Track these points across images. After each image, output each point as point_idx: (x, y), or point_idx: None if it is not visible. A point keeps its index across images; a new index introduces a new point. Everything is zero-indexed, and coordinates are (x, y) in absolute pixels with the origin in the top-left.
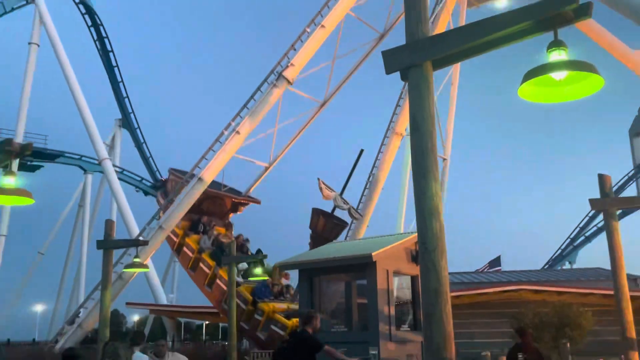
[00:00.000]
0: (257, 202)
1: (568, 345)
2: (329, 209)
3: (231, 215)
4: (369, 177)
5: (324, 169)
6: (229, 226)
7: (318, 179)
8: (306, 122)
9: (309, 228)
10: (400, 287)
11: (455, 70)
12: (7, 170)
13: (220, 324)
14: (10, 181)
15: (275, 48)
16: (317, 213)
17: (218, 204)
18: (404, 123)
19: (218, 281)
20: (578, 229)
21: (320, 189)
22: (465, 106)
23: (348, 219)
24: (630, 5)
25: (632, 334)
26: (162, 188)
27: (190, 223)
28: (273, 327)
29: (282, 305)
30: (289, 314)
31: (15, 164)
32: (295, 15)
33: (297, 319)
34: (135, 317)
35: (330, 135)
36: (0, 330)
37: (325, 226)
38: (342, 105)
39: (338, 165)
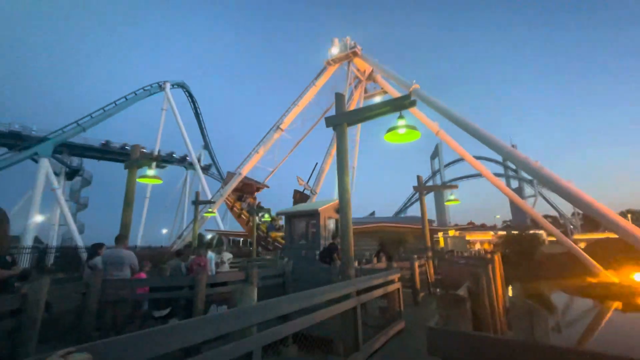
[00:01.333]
0: (267, 186)
1: (402, 250)
2: (300, 189)
3: (256, 192)
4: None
5: (299, 170)
6: (254, 198)
7: (297, 176)
8: (291, 149)
9: (293, 198)
10: (330, 224)
11: (359, 127)
12: (149, 168)
13: (249, 240)
14: (151, 172)
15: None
16: (296, 192)
17: (250, 186)
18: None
19: (250, 223)
20: (408, 198)
21: (298, 180)
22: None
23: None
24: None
25: (428, 244)
26: (223, 180)
27: (236, 196)
28: (276, 243)
29: (279, 233)
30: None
31: (154, 164)
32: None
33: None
34: (209, 236)
35: (302, 155)
36: (150, 240)
37: (300, 198)
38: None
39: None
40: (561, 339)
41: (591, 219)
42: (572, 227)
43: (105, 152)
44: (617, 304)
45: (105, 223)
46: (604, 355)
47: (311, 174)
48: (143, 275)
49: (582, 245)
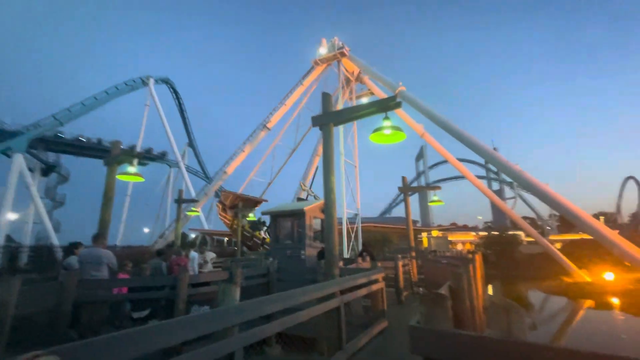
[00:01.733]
0: (265, 200)
1: (386, 249)
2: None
3: (256, 207)
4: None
5: (295, 171)
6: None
7: (300, 182)
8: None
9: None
10: (315, 224)
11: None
12: (130, 165)
13: (233, 239)
14: (132, 169)
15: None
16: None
17: (250, 201)
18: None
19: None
20: (394, 199)
21: (301, 185)
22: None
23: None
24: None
25: (412, 244)
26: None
27: (233, 213)
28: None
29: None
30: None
31: (135, 161)
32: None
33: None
34: (193, 235)
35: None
36: (131, 239)
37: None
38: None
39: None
40: (537, 336)
41: (566, 221)
42: (548, 228)
43: (83, 148)
44: (590, 302)
45: (84, 221)
46: (577, 352)
47: (313, 178)
48: (124, 275)
49: (558, 245)
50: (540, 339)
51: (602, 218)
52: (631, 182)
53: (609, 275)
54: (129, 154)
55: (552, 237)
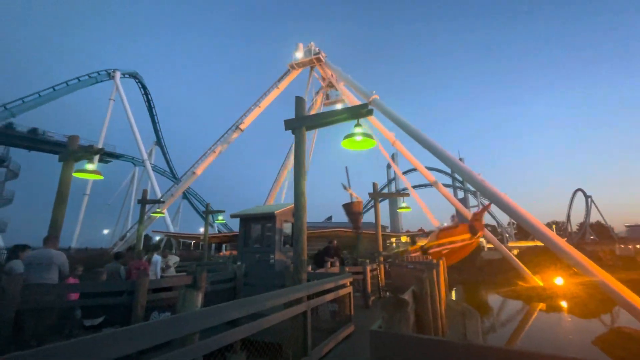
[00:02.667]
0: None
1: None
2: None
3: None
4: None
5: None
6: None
7: (343, 185)
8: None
9: (346, 213)
10: (286, 228)
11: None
12: (89, 161)
13: (200, 242)
14: (90, 166)
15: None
16: (348, 206)
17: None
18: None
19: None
20: (364, 205)
21: (347, 189)
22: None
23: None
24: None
25: (380, 249)
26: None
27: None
28: None
29: None
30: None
31: (96, 158)
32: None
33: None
34: (157, 238)
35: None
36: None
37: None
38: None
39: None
40: (496, 339)
41: (523, 229)
42: (507, 235)
43: (37, 142)
44: (542, 305)
45: (34, 221)
46: (526, 353)
47: (348, 179)
48: (74, 280)
49: (516, 252)
50: (498, 341)
51: (554, 227)
52: (580, 194)
53: (559, 280)
54: (88, 150)
55: (510, 244)
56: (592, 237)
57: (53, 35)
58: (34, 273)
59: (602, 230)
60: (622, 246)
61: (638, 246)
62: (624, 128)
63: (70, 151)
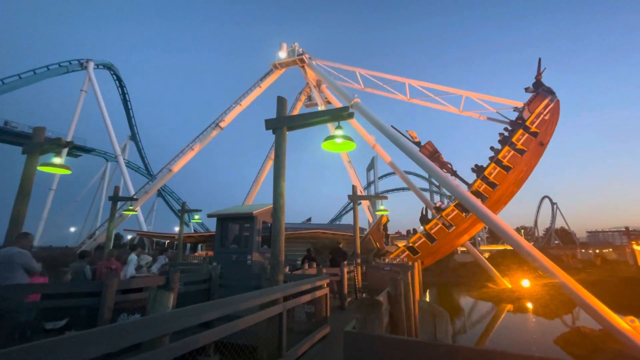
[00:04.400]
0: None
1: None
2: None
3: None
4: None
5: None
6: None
7: (407, 131)
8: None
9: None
10: (264, 229)
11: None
12: (56, 155)
13: (175, 242)
14: (58, 160)
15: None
16: (423, 148)
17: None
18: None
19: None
20: (344, 207)
21: (410, 134)
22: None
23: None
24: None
25: (358, 251)
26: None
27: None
28: None
29: None
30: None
31: (64, 152)
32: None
33: None
34: (129, 237)
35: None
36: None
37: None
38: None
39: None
40: (466, 339)
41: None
42: (479, 239)
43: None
44: (509, 307)
45: None
46: (493, 352)
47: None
48: (43, 279)
49: (487, 255)
50: (468, 341)
51: (522, 231)
52: (546, 201)
53: (525, 282)
54: (55, 143)
55: (482, 248)
56: (556, 242)
57: (22, 20)
58: None
59: (565, 235)
60: (583, 250)
61: (597, 251)
62: (588, 136)
63: (35, 143)
